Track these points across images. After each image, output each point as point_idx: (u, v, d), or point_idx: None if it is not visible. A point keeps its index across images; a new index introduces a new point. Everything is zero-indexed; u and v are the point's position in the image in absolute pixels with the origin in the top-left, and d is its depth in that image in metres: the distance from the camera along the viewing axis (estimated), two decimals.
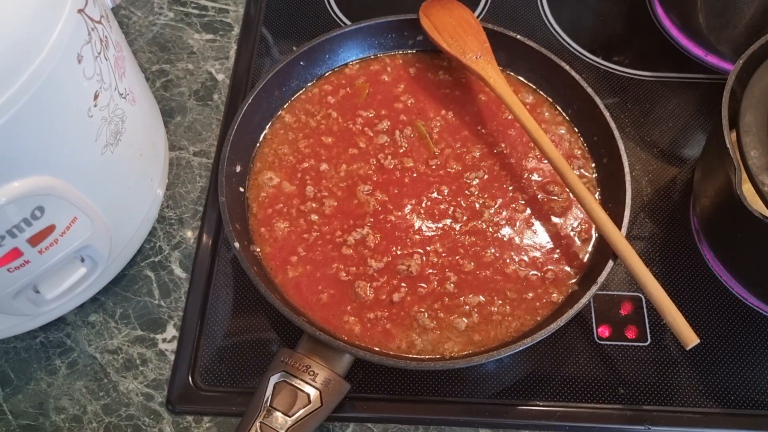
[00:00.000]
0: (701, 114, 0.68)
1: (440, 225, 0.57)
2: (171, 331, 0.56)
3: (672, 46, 0.72)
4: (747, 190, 0.50)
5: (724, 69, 0.69)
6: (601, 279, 0.51)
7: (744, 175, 0.50)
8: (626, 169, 0.56)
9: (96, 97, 0.45)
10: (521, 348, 0.49)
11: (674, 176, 0.64)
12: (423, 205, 0.58)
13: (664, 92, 0.69)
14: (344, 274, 0.55)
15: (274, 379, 0.48)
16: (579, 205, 0.55)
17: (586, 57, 0.71)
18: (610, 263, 0.51)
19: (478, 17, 0.71)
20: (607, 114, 0.58)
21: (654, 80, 0.70)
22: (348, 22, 0.73)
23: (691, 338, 0.48)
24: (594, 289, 0.50)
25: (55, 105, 0.41)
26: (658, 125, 0.67)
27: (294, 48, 0.70)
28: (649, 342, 0.55)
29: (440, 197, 0.58)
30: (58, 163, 0.43)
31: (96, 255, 0.50)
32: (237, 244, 0.52)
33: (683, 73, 0.70)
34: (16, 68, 0.37)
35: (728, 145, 0.50)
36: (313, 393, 0.47)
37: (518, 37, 0.62)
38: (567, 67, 0.61)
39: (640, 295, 0.57)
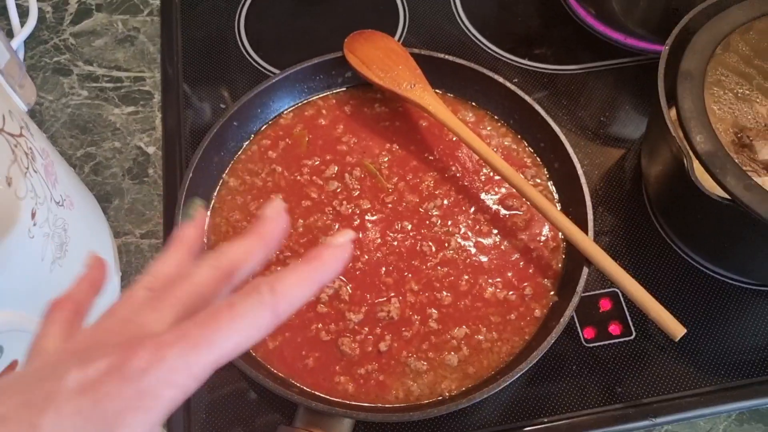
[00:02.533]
0: (634, 96, 0.69)
1: (410, 263, 0.56)
2: None
3: (591, 35, 0.73)
4: (695, 168, 0.51)
5: (646, 49, 0.71)
6: (579, 288, 0.51)
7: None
8: (579, 171, 0.56)
9: (33, 215, 0.42)
10: (519, 374, 0.48)
11: (622, 164, 0.65)
12: (388, 245, 0.57)
13: (594, 81, 0.70)
14: (325, 334, 0.53)
15: None
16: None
17: (512, 60, 0.72)
18: (586, 270, 0.52)
19: (399, 41, 0.71)
20: (549, 119, 0.59)
21: (581, 72, 0.71)
22: (263, 62, 0.71)
23: (678, 329, 0.49)
24: (575, 300, 0.51)
25: None
26: (595, 115, 0.68)
27: (223, 105, 0.68)
28: (634, 335, 0.56)
29: (404, 234, 0.57)
30: (8, 297, 0.40)
31: None
32: None
33: (607, 60, 0.71)
34: None
35: (674, 135, 0.51)
36: None
37: (447, 57, 0.62)
38: (501, 79, 0.61)
39: (616, 290, 0.58)
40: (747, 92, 0.54)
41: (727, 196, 0.48)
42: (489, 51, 0.72)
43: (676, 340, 0.49)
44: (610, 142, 0.67)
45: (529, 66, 0.71)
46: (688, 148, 0.50)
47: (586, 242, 0.52)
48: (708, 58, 0.54)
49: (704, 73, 0.53)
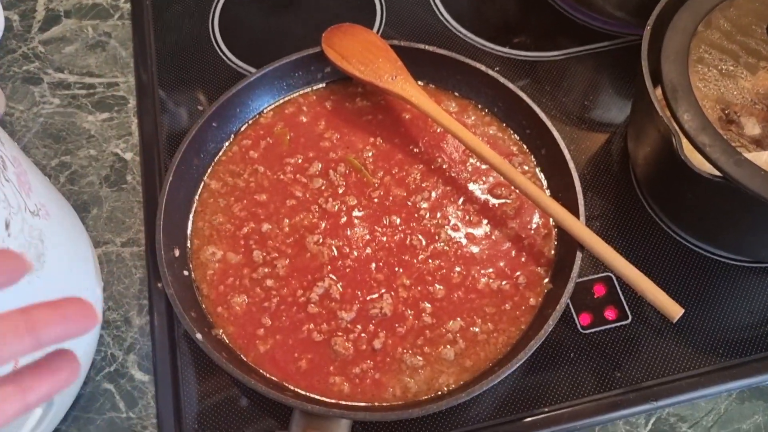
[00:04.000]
0: (615, 79, 0.69)
1: (401, 257, 0.55)
2: None
3: (570, 20, 0.73)
4: (684, 146, 0.50)
5: (626, 33, 0.70)
6: (574, 274, 0.50)
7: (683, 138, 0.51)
8: (567, 156, 0.56)
9: (7, 225, 0.40)
10: (518, 365, 0.47)
11: (608, 148, 0.64)
12: (377, 240, 0.55)
13: (575, 66, 0.70)
14: (317, 334, 0.52)
15: None
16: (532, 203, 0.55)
17: (492, 49, 0.71)
18: (579, 255, 0.51)
19: (377, 33, 0.69)
20: (535, 106, 0.58)
21: (562, 57, 0.70)
22: (240, 62, 0.70)
23: (676, 310, 0.48)
24: (570, 287, 0.50)
25: None
26: (578, 100, 0.67)
27: (200, 107, 0.67)
28: (630, 319, 0.55)
29: (393, 229, 0.56)
30: None
31: None
32: (199, 336, 0.48)
33: (587, 44, 0.71)
34: None
35: (661, 114, 0.50)
36: None
37: (427, 47, 0.61)
38: (483, 68, 0.60)
39: (610, 274, 0.57)
40: (731, 68, 0.53)
41: (717, 172, 0.48)
42: (469, 41, 0.71)
43: (674, 321, 0.48)
44: (595, 127, 0.66)
45: (510, 54, 0.70)
46: (676, 126, 0.49)
47: (579, 227, 0.51)
48: (690, 36, 0.53)
49: (688, 50, 0.53)
